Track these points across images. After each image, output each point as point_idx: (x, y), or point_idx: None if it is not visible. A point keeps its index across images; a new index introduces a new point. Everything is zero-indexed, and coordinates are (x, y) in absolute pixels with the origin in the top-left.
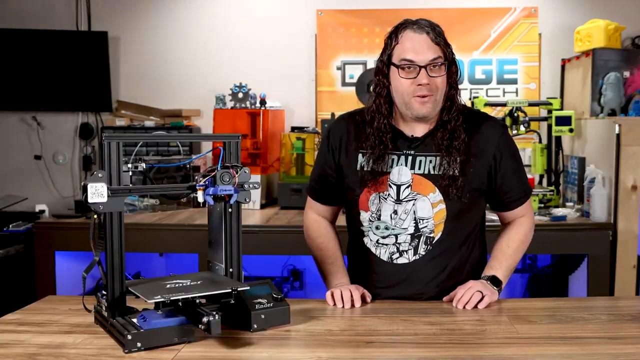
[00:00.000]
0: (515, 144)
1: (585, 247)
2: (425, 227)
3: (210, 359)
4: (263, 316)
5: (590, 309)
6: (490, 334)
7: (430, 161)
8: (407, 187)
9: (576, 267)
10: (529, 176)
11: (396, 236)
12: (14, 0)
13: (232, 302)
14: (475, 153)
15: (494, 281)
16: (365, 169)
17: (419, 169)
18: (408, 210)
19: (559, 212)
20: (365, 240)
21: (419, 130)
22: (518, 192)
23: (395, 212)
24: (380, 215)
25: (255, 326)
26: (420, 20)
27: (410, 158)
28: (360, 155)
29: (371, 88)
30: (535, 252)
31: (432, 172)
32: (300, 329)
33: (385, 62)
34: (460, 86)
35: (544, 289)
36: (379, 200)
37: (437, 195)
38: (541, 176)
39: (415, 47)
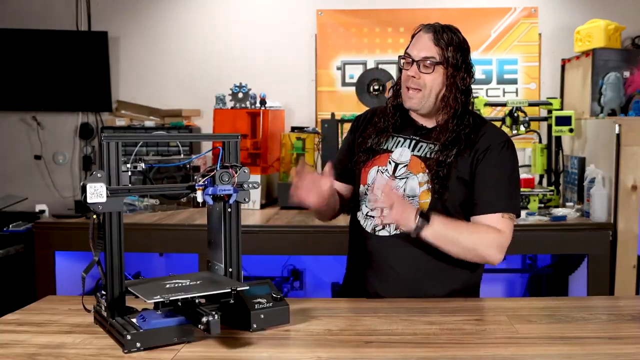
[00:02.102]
0: (515, 164)
1: (585, 247)
2: (410, 204)
3: (210, 359)
4: (262, 316)
5: (590, 309)
6: (490, 334)
7: (430, 148)
8: (404, 166)
9: (576, 267)
10: (529, 176)
11: (382, 209)
12: (14, 0)
13: (232, 302)
14: (470, 147)
15: (424, 215)
16: (374, 147)
17: (418, 152)
18: (399, 187)
19: (559, 212)
20: (358, 214)
21: (429, 122)
22: (486, 198)
23: None
24: (374, 188)
25: (255, 326)
26: (436, 23)
27: (414, 142)
28: (373, 134)
29: (371, 88)
30: (535, 252)
31: (428, 156)
32: (299, 329)
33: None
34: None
35: (544, 289)
36: (376, 173)
37: (425, 176)
38: (541, 176)
39: (416, 44)
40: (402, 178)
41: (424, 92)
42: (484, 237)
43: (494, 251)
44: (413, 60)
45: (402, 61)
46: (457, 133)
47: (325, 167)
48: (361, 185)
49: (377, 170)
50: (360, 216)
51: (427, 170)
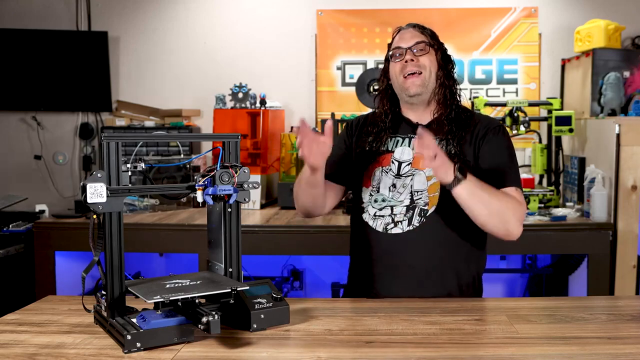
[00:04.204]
0: (512, 145)
1: (585, 247)
2: (420, 198)
3: (210, 358)
4: (263, 316)
5: (590, 309)
6: (490, 334)
7: None
8: (408, 164)
9: (576, 267)
10: (529, 176)
11: (392, 207)
12: (14, 0)
13: (232, 301)
14: (468, 135)
15: (462, 170)
16: (373, 148)
17: None
18: (406, 184)
19: (559, 212)
20: (364, 215)
21: (424, 118)
22: (497, 176)
23: (394, 185)
24: (379, 189)
25: (255, 326)
26: (412, 23)
27: (413, 140)
28: (370, 137)
29: (371, 88)
30: (535, 252)
31: None
32: (299, 329)
33: (385, 64)
34: (460, 86)
35: (544, 289)
36: (381, 173)
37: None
38: (541, 176)
39: (403, 37)
40: (408, 175)
41: (424, 74)
42: (510, 204)
43: (516, 221)
44: (405, 49)
45: (391, 57)
46: (454, 122)
47: (325, 126)
48: (364, 188)
49: (381, 171)
50: (367, 217)
51: None
